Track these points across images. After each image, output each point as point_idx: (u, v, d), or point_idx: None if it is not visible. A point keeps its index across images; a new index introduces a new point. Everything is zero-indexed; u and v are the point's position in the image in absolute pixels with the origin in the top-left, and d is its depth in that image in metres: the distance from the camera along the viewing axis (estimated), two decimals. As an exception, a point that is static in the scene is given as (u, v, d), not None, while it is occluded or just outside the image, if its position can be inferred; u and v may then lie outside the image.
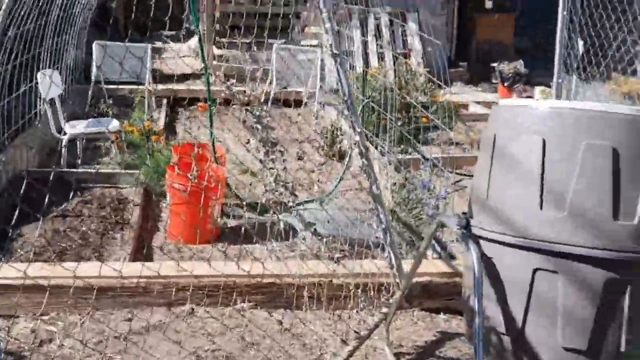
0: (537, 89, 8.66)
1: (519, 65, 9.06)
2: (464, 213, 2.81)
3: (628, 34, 6.83)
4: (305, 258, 3.84)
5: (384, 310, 3.19)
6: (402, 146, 6.17)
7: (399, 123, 6.09)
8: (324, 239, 3.16)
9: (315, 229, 3.19)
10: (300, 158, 6.34)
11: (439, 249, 4.12)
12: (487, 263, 2.57)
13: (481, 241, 2.60)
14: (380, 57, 9.17)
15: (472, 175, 6.48)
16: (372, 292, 3.36)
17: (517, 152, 2.53)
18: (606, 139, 2.39)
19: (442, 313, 3.60)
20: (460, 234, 2.68)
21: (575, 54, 4.99)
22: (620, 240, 2.39)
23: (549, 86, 7.50)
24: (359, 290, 3.30)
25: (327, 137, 6.75)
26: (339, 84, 2.85)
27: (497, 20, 10.48)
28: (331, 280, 3.39)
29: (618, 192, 2.39)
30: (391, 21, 9.41)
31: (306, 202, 5.05)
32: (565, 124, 2.45)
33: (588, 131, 2.41)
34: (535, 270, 2.47)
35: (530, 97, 8.79)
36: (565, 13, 4.82)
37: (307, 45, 8.35)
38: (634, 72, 8.95)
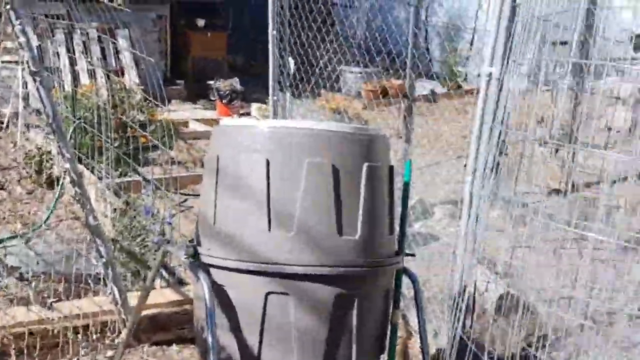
0: (254, 106, 8.88)
1: (235, 82, 9.20)
2: (190, 241, 2.66)
3: (333, 54, 7.30)
4: (13, 305, 3.35)
5: (109, 353, 2.89)
6: (120, 169, 5.81)
7: (116, 144, 5.73)
8: (33, 283, 2.76)
9: (20, 274, 2.77)
10: (2, 187, 5.63)
11: (166, 275, 3.91)
12: (219, 292, 2.44)
13: (212, 269, 2.47)
14: (92, 75, 8.62)
15: (197, 195, 6.40)
16: (95, 334, 3.04)
17: (242, 173, 2.45)
18: (326, 156, 2.42)
19: (174, 344, 3.40)
20: (189, 263, 2.51)
21: (288, 72, 5.15)
22: (345, 255, 2.44)
23: (266, 102, 7.72)
24: (79, 335, 2.95)
25: (33, 163, 6.09)
26: (42, 104, 2.51)
27: (211, 38, 10.56)
28: (45, 328, 2.98)
29: (340, 208, 2.43)
30: (99, 37, 8.92)
31: (9, 238, 4.43)
32: (287, 144, 2.43)
33: (309, 150, 2.42)
34: (267, 295, 2.40)
35: (249, 113, 8.98)
36: (274, 32, 4.94)
37: (2, 62, 7.52)
38: (339, 90, 9.67)
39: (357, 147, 2.49)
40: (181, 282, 3.97)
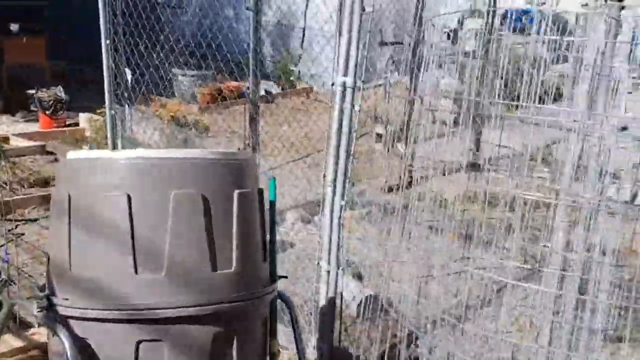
0: (83, 116, 8.28)
1: (59, 91, 8.50)
2: (41, 290, 2.35)
3: (164, 58, 7.00)
4: None
5: None
6: None
7: None
8: None
9: None
10: None
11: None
12: (82, 346, 2.18)
13: (72, 321, 2.20)
14: None
15: (30, 220, 5.86)
16: None
17: (100, 212, 2.19)
18: (194, 186, 2.24)
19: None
20: (42, 317, 2.22)
21: (125, 83, 4.82)
22: (221, 291, 2.27)
23: (97, 113, 7.24)
24: None
25: None
26: None
27: (27, 44, 9.70)
28: None
29: (212, 241, 2.26)
30: None
31: None
32: (149, 176, 2.21)
33: (175, 181, 2.22)
34: (138, 344, 2.18)
35: (77, 124, 8.37)
36: (108, 42, 4.60)
37: None
38: (173, 94, 9.34)
39: (226, 174, 2.33)
40: (23, 323, 3.58)
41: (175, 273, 2.19)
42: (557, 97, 3.19)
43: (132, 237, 2.17)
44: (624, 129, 2.49)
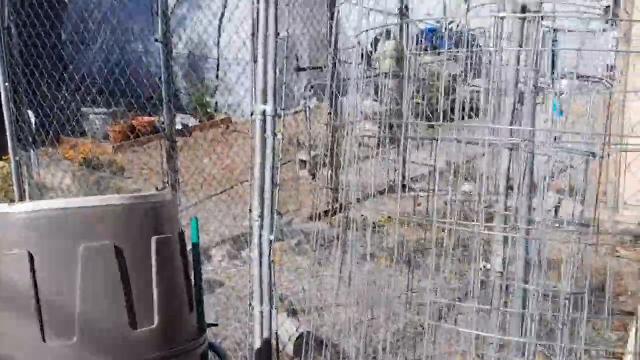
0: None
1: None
2: None
3: (71, 97, 6.67)
4: None
5: None
6: None
7: None
8: None
9: None
10: None
11: None
12: None
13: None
14: None
15: None
16: None
17: (-3, 275, 1.93)
18: (105, 236, 2.00)
19: None
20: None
21: (29, 126, 4.49)
22: (143, 350, 2.04)
23: (2, 158, 6.79)
24: None
25: None
26: None
27: None
28: None
29: (130, 296, 2.02)
30: None
31: None
32: (54, 229, 1.97)
33: (83, 232, 1.98)
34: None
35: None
36: (7, 84, 4.28)
37: None
38: (83, 133, 8.92)
39: (141, 220, 2.11)
40: None
41: (89, 337, 1.94)
42: (473, 112, 3.17)
43: (37, 301, 1.92)
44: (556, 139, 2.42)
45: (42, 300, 1.92)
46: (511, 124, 2.38)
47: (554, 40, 2.60)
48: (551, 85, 2.27)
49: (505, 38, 2.37)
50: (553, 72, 2.27)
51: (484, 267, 2.60)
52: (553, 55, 2.31)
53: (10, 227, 1.96)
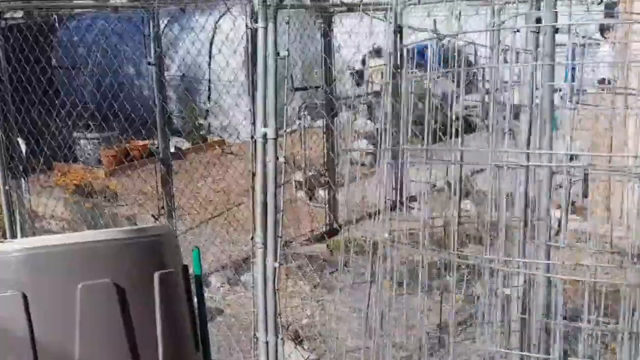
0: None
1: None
2: None
3: (62, 123, 6.55)
4: None
5: None
6: None
7: None
8: None
9: None
10: None
11: None
12: None
13: None
14: None
15: None
16: None
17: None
18: (105, 274, 1.88)
19: None
20: None
21: (20, 155, 4.37)
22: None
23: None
24: None
25: None
26: None
27: None
28: None
29: (133, 336, 1.89)
30: None
31: None
32: (50, 268, 1.84)
33: (81, 270, 1.86)
34: None
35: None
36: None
37: None
38: (75, 160, 8.78)
39: (142, 255, 1.98)
40: None
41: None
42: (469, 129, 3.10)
43: (33, 345, 1.79)
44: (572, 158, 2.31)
45: (39, 344, 1.79)
46: (528, 142, 2.28)
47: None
48: (569, 101, 2.17)
49: (512, 51, 2.28)
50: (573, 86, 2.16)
51: (503, 292, 2.48)
52: (573, 69, 2.21)
53: (3, 267, 1.83)
